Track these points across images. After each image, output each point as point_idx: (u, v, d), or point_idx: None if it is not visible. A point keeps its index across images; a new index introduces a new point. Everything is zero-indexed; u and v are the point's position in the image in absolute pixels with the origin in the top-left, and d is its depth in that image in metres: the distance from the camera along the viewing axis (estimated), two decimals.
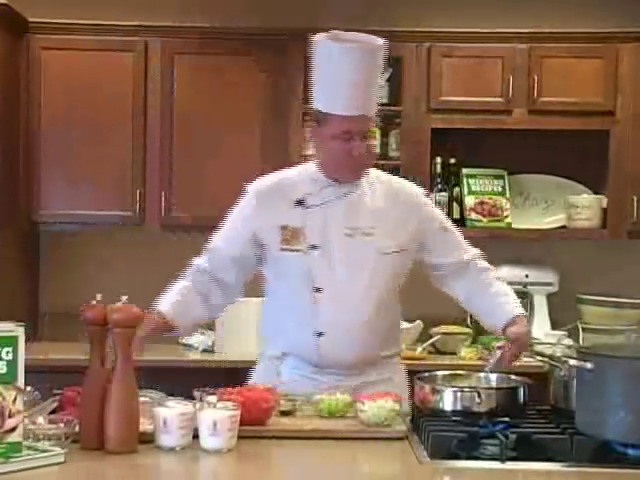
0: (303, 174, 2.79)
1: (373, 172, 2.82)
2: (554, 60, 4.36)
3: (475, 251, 2.86)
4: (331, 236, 2.69)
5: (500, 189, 4.50)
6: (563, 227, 4.53)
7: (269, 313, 2.85)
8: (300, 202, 2.72)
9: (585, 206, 4.43)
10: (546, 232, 4.54)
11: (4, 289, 4.19)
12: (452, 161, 4.50)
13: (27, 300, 4.54)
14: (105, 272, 4.57)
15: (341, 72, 2.61)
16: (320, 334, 2.68)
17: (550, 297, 4.52)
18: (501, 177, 4.53)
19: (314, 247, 2.68)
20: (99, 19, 4.38)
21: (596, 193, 4.51)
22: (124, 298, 2.20)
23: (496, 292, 2.80)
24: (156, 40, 4.37)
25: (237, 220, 2.81)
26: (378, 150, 4.43)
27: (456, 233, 2.87)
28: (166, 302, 2.74)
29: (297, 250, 2.69)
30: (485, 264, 2.85)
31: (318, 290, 2.68)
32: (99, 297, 2.22)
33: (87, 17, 4.37)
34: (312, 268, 2.68)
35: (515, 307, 2.75)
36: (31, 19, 4.32)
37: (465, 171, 4.51)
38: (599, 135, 4.39)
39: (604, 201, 4.45)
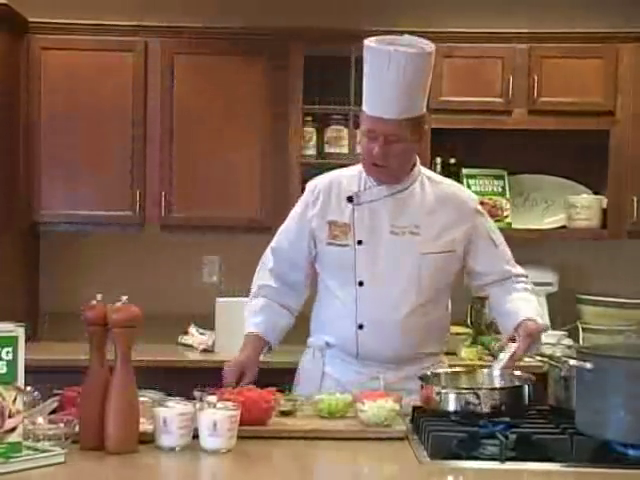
0: (356, 172, 2.86)
1: (426, 173, 2.89)
2: (554, 60, 4.36)
3: (521, 270, 2.91)
4: (377, 233, 2.77)
5: (500, 189, 4.50)
6: (563, 227, 4.53)
7: (317, 305, 2.93)
8: (350, 199, 2.80)
9: (585, 206, 4.43)
10: (546, 232, 4.54)
11: (4, 289, 4.19)
12: (452, 161, 4.50)
13: (27, 300, 4.54)
14: (105, 272, 4.57)
15: (373, 73, 2.68)
16: (361, 326, 2.76)
17: (550, 297, 4.51)
18: (501, 177, 4.53)
19: (360, 242, 2.76)
20: (99, 19, 4.38)
21: (596, 193, 4.51)
22: (124, 298, 2.20)
23: (517, 297, 2.81)
24: (156, 40, 4.37)
25: (295, 218, 2.90)
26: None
27: (505, 250, 2.92)
28: (253, 324, 2.85)
29: (344, 245, 2.78)
30: (526, 285, 2.88)
31: (360, 284, 2.76)
32: (99, 297, 2.22)
33: (87, 17, 4.37)
34: (356, 262, 2.76)
35: (531, 311, 2.75)
36: (31, 19, 4.32)
37: (465, 171, 4.51)
38: (599, 135, 4.38)
39: (604, 201, 4.45)
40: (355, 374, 2.79)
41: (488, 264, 2.86)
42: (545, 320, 2.85)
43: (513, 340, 2.66)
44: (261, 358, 2.83)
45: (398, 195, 2.79)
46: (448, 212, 2.81)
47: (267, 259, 2.93)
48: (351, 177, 2.86)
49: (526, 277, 2.91)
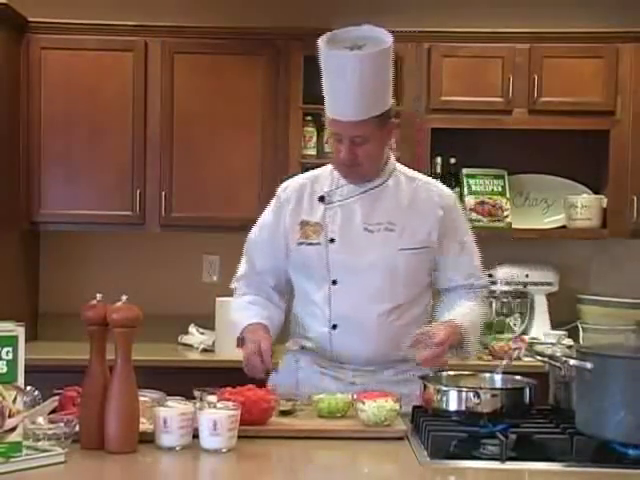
0: (328, 171, 2.83)
1: (401, 169, 2.84)
2: (554, 60, 4.37)
3: (482, 282, 2.83)
4: (350, 231, 2.72)
5: (500, 189, 4.51)
6: (563, 227, 4.53)
7: (294, 309, 2.88)
8: (322, 198, 2.77)
9: (585, 206, 4.43)
10: (546, 232, 4.54)
11: (4, 289, 4.19)
12: (452, 161, 4.51)
13: (27, 300, 4.54)
14: (105, 272, 4.58)
15: (332, 76, 2.62)
16: (334, 326, 2.71)
17: (550, 297, 4.51)
18: (501, 177, 4.54)
19: (332, 240, 2.72)
20: (99, 19, 4.38)
21: (596, 193, 4.51)
22: (124, 298, 2.20)
23: (460, 305, 2.75)
24: (156, 40, 4.37)
25: (268, 222, 2.86)
26: None
27: (472, 257, 2.81)
28: (248, 317, 2.76)
29: (315, 243, 2.73)
30: (476, 296, 2.81)
31: (334, 282, 2.71)
32: (99, 297, 2.22)
33: (87, 17, 4.37)
34: (329, 260, 2.71)
35: (460, 317, 2.67)
36: (31, 19, 4.33)
37: (465, 171, 4.51)
38: (599, 135, 4.39)
39: (604, 201, 4.45)
40: (330, 381, 2.72)
41: (451, 268, 2.78)
42: (475, 332, 2.71)
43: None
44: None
45: (371, 192, 2.74)
46: (424, 207, 2.75)
47: (242, 269, 2.90)
48: (323, 177, 2.82)
49: (485, 288, 2.84)
